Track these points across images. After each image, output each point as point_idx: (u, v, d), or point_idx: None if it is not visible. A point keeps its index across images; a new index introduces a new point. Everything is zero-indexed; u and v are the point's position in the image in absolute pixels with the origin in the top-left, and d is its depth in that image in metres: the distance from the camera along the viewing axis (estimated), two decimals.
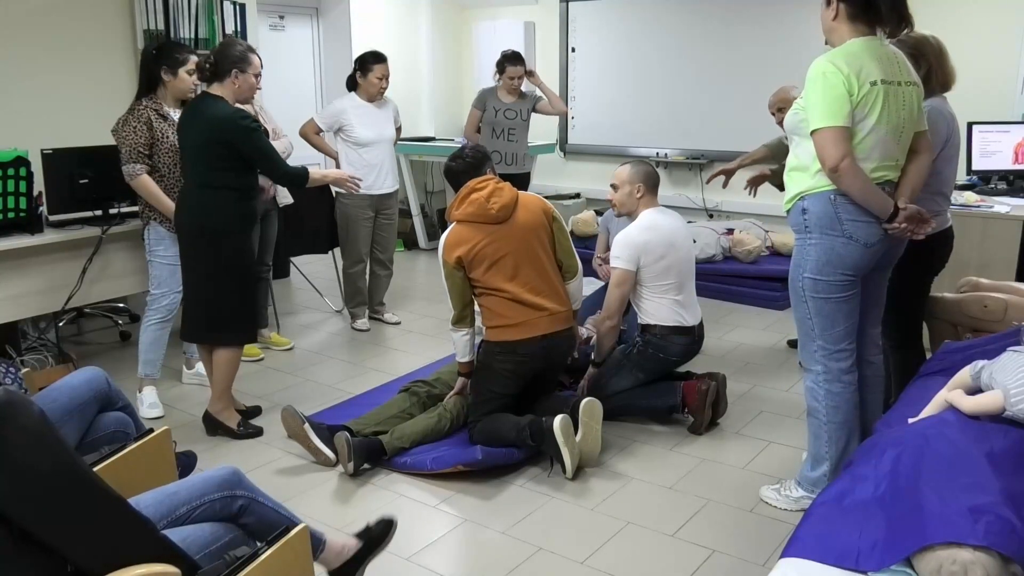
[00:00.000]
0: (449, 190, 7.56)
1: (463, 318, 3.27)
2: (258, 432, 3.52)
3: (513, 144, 5.34)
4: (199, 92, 3.50)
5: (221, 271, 3.38)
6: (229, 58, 3.31)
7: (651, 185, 3.58)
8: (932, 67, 2.94)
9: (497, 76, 5.26)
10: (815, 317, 2.64)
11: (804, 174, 2.56)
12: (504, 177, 5.32)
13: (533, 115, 5.42)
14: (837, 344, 2.65)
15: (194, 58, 3.66)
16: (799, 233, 2.63)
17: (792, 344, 4.57)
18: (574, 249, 3.42)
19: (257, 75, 3.42)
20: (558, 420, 3.02)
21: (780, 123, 3.82)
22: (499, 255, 3.18)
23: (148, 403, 3.78)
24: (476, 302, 3.30)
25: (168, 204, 3.59)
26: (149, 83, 3.70)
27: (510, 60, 5.19)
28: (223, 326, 3.44)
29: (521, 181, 5.52)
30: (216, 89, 3.34)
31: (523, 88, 5.32)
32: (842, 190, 2.47)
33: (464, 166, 3.33)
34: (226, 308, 3.41)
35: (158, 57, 3.67)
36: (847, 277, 2.57)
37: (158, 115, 3.63)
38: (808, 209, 2.56)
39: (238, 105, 3.40)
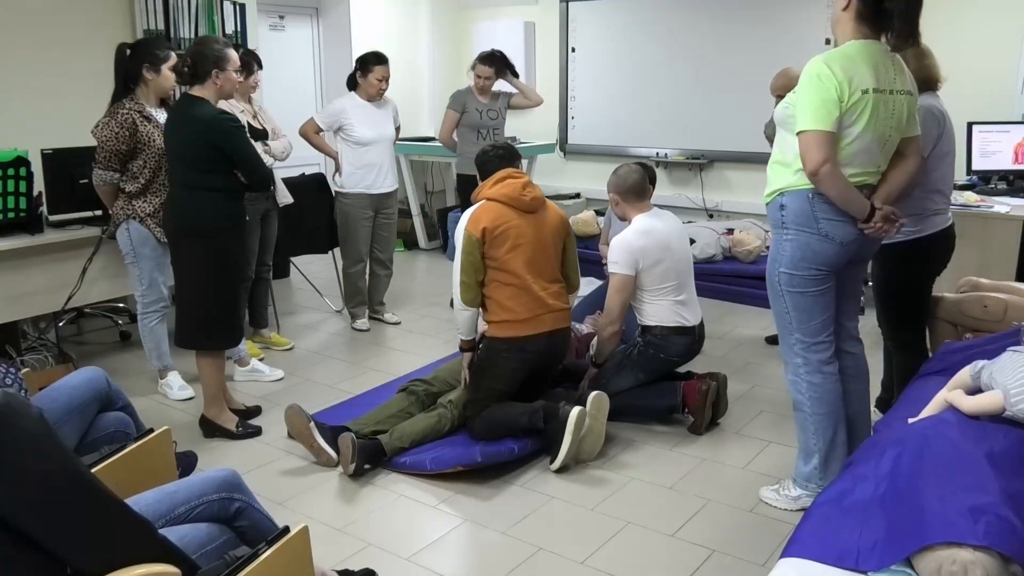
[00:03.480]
0: (450, 190, 7.57)
1: (476, 296, 3.25)
2: (257, 432, 3.51)
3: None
4: (181, 93, 3.43)
5: (204, 274, 3.35)
6: (208, 59, 3.26)
7: (629, 191, 3.54)
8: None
9: (469, 74, 5.17)
10: (792, 311, 2.67)
11: (786, 170, 2.58)
12: None
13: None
14: (815, 336, 2.68)
15: (174, 54, 3.62)
16: (776, 228, 2.66)
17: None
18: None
19: (237, 70, 3.37)
20: (576, 411, 3.07)
21: None
22: (522, 240, 3.22)
23: (178, 386, 3.85)
24: (482, 291, 3.29)
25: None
26: (126, 83, 3.63)
27: (483, 60, 5.09)
28: (205, 329, 3.42)
29: None
30: (198, 91, 3.29)
31: (494, 87, 5.22)
32: (821, 192, 2.49)
33: (502, 153, 3.45)
34: (210, 311, 3.39)
35: (136, 56, 3.61)
36: (821, 272, 2.60)
37: (142, 116, 3.59)
38: (786, 205, 2.58)
39: (223, 103, 3.37)
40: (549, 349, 3.31)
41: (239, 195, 3.42)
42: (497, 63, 5.13)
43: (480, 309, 3.31)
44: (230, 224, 3.37)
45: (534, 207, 3.30)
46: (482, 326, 3.36)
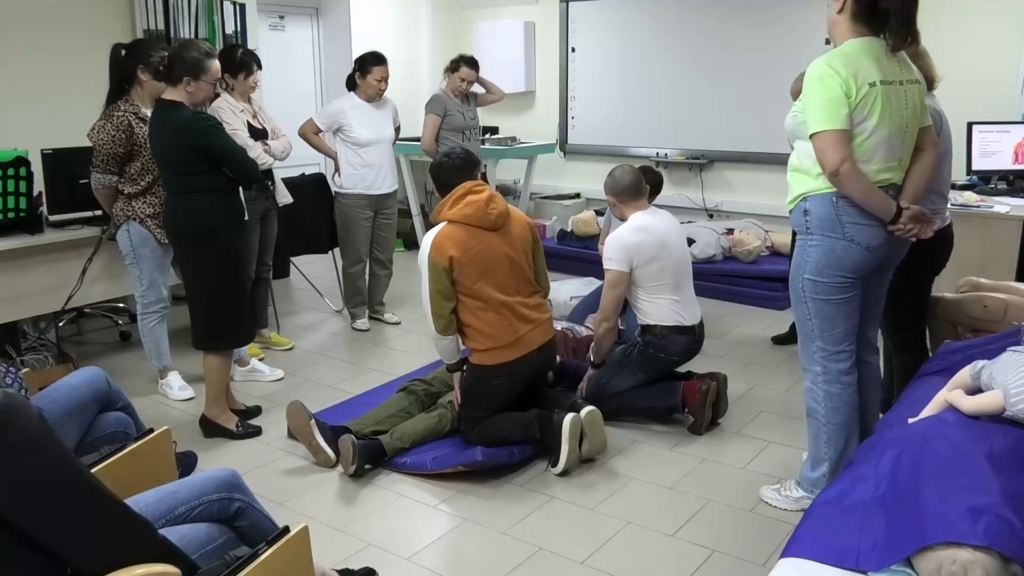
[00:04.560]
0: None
1: (450, 324, 3.11)
2: (257, 431, 3.51)
3: (477, 144, 5.25)
4: (157, 99, 3.34)
5: (209, 275, 3.35)
6: (184, 63, 3.19)
7: (624, 192, 3.53)
8: None
9: (448, 75, 5.12)
10: (815, 318, 2.64)
11: (807, 176, 2.56)
12: None
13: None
14: (836, 345, 2.65)
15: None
16: (801, 234, 2.62)
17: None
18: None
19: (214, 83, 3.28)
20: (569, 418, 3.04)
21: None
22: (491, 263, 3.08)
23: (178, 386, 3.85)
24: (458, 319, 3.14)
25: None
26: (121, 85, 3.61)
27: (469, 63, 5.07)
28: (215, 330, 3.41)
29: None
30: (170, 94, 3.24)
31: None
32: (843, 193, 2.47)
33: (459, 163, 3.21)
34: (218, 312, 3.39)
35: (131, 57, 3.59)
36: (847, 279, 2.56)
37: (137, 118, 3.58)
38: (810, 210, 2.55)
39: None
40: (540, 363, 3.26)
41: (233, 192, 3.39)
42: (477, 66, 5.14)
43: (456, 334, 3.15)
44: (229, 223, 3.36)
45: (500, 223, 3.10)
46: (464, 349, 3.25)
